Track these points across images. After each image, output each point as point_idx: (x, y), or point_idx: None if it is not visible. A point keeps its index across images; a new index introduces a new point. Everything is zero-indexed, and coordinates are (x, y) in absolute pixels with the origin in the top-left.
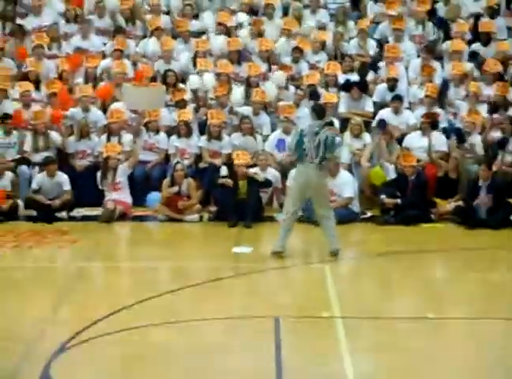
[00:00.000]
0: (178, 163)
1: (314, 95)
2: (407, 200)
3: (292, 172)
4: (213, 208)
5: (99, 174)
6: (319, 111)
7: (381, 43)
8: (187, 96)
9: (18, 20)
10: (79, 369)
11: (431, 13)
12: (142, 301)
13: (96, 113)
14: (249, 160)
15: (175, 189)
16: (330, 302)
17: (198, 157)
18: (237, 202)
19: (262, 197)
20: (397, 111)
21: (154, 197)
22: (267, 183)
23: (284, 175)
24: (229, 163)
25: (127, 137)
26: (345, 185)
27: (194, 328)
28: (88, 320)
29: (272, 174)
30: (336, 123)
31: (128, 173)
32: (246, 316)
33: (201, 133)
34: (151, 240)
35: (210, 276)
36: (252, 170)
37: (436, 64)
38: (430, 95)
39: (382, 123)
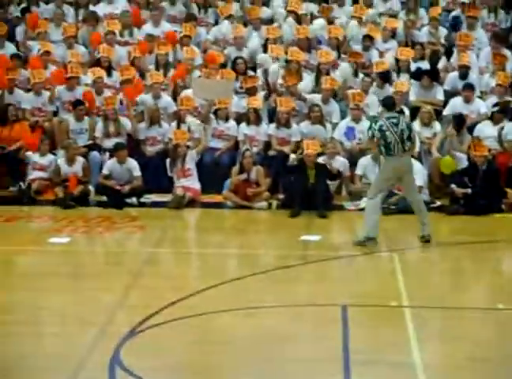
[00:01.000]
0: (247, 150)
1: (386, 78)
2: (477, 189)
3: (363, 162)
4: (282, 196)
5: (168, 160)
6: (388, 103)
7: (454, 31)
8: (258, 83)
9: (91, 7)
10: (149, 353)
11: (505, 2)
12: (210, 287)
13: (166, 99)
14: (319, 150)
15: (244, 175)
16: (399, 291)
17: (267, 145)
18: (306, 190)
19: (330, 186)
20: (468, 100)
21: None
22: (337, 175)
23: (353, 163)
24: (298, 151)
25: (197, 124)
26: (415, 173)
27: (262, 315)
28: (157, 305)
29: (340, 162)
30: (407, 112)
31: (196, 160)
32: (313, 303)
33: (271, 120)
34: (219, 227)
35: (278, 264)
36: (321, 160)
37: (508, 52)
38: (501, 84)
39: (460, 120)
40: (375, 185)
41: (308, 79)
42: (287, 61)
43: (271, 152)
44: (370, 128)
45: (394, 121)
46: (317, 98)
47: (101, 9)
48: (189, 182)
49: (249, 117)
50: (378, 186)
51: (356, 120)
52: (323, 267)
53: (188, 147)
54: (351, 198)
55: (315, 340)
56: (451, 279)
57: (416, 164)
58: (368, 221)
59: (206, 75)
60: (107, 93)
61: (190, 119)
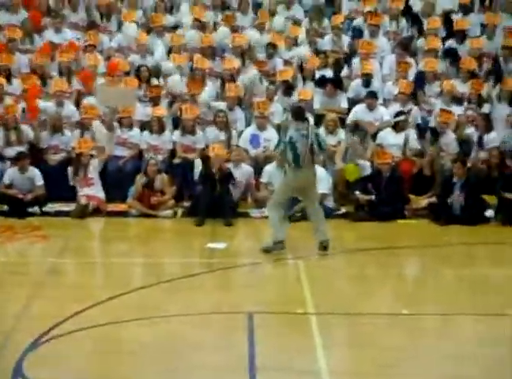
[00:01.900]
0: (151, 158)
1: (288, 90)
2: (381, 196)
3: (268, 169)
4: (187, 204)
5: (70, 169)
6: (299, 113)
7: (355, 39)
8: (162, 93)
9: None
10: (51, 364)
11: (406, 10)
12: (114, 297)
13: (69, 107)
14: (225, 154)
15: (144, 179)
16: (304, 298)
17: (172, 152)
18: (212, 198)
19: (235, 193)
20: (371, 108)
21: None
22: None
23: (258, 171)
24: (204, 157)
25: (100, 132)
26: (320, 180)
27: (167, 324)
28: (61, 315)
29: (245, 169)
30: (311, 120)
31: (100, 169)
32: (219, 311)
33: (176, 127)
34: (124, 236)
35: (183, 272)
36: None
37: (411, 60)
38: (403, 92)
39: (358, 127)
40: (276, 195)
41: (212, 86)
42: (191, 69)
43: (176, 160)
44: (278, 144)
45: (304, 132)
46: (222, 105)
47: (1, 18)
48: (92, 191)
49: (152, 126)
50: (279, 197)
51: (261, 128)
52: (229, 274)
53: (92, 155)
54: (256, 205)
55: (221, 348)
56: (356, 286)
57: (320, 171)
58: (272, 226)
59: (110, 83)
60: (8, 101)
61: (96, 124)
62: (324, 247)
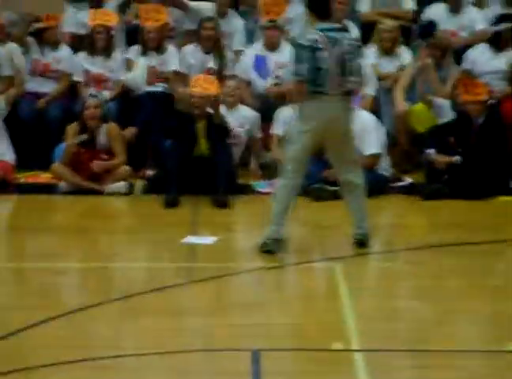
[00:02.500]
0: (92, 96)
1: None
2: (471, 157)
3: (284, 114)
4: (151, 172)
5: None
6: (319, 7)
7: None
8: None
9: None
10: None
11: None
12: (30, 326)
13: None
14: (215, 90)
15: (84, 136)
16: (343, 326)
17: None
18: (192, 161)
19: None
20: (455, 9)
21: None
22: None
23: (268, 117)
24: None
25: (7, 52)
26: (367, 134)
27: (118, 372)
28: None
29: (246, 114)
30: (355, 30)
31: (5, 113)
32: (203, 349)
33: (132, 43)
34: (47, 225)
35: (146, 285)
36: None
37: None
38: None
39: (429, 28)
40: (290, 157)
41: None
42: None
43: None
44: (296, 51)
45: (333, 34)
46: (209, 8)
47: None
48: None
49: (94, 39)
50: (295, 156)
51: (272, 46)
52: (220, 288)
53: None
54: (264, 174)
55: None
56: (429, 306)
57: (367, 117)
58: (275, 214)
59: None
60: None
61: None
62: (361, 243)
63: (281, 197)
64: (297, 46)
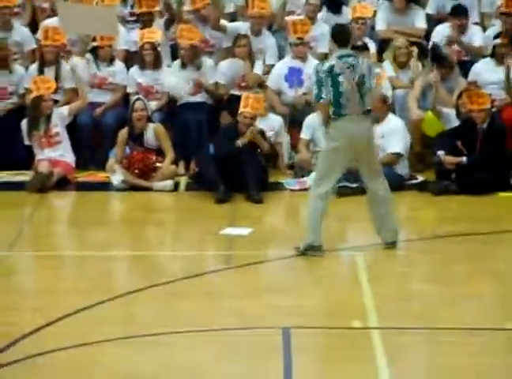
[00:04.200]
0: (138, 99)
1: (337, 4)
2: (475, 158)
3: (310, 120)
4: (195, 170)
5: (24, 122)
6: (341, 34)
7: None
8: (155, 8)
9: None
10: None
11: None
12: (89, 307)
13: (21, 31)
14: (263, 110)
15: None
16: (364, 307)
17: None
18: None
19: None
20: (461, 28)
21: None
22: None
23: (297, 122)
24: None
25: (68, 68)
26: (394, 135)
27: (165, 347)
28: (11, 334)
29: (272, 121)
30: (373, 47)
31: (68, 121)
32: (240, 327)
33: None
34: (102, 218)
35: (188, 271)
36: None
37: None
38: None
39: (436, 51)
40: (320, 169)
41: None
42: None
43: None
44: (316, 76)
45: (350, 60)
46: (243, 27)
47: None
48: (57, 153)
49: (143, 57)
50: (325, 170)
51: (300, 60)
52: (255, 273)
53: (56, 101)
54: (293, 172)
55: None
56: (438, 289)
57: (395, 121)
58: (310, 223)
59: None
60: None
61: (74, 59)
62: (392, 243)
63: (314, 206)
64: (318, 72)
